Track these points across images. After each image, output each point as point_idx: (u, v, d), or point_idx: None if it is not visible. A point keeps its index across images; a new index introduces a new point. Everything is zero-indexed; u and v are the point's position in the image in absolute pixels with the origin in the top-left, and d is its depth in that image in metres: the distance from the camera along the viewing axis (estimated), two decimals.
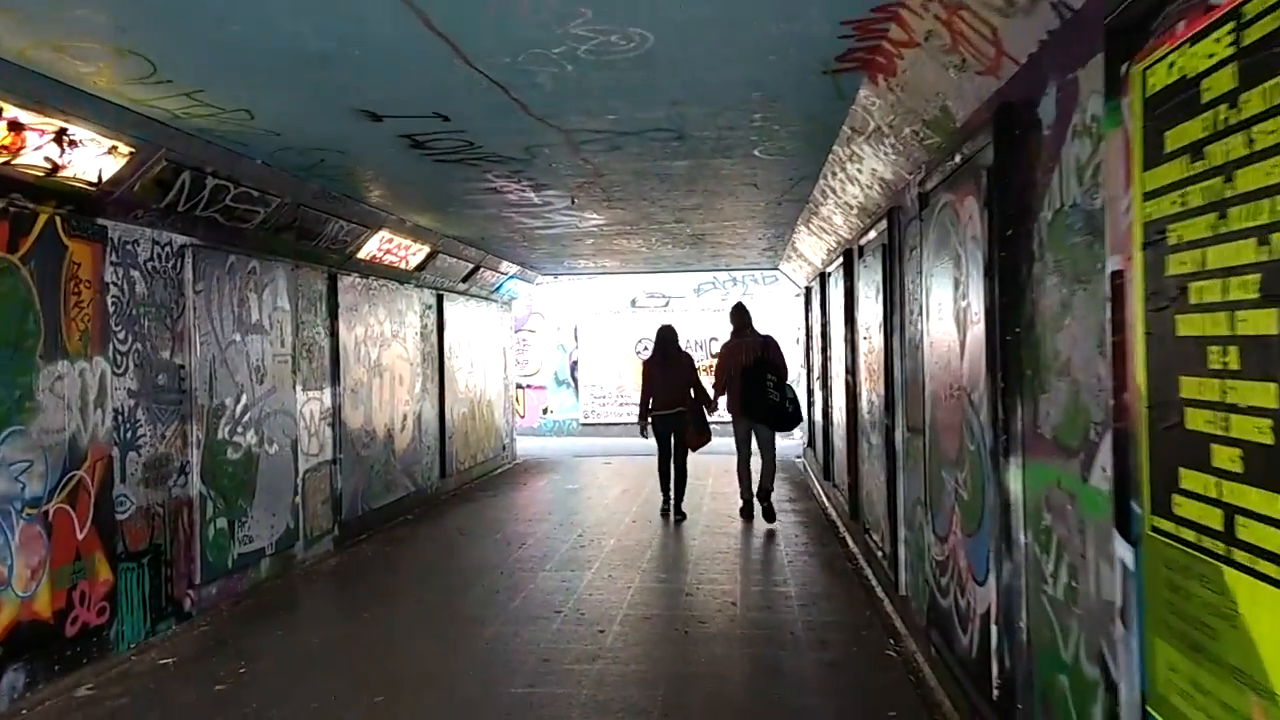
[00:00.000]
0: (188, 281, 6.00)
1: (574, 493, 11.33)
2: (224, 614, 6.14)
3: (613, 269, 14.26)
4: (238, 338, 6.58)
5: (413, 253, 9.43)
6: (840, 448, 8.80)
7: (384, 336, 9.35)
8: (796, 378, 17.02)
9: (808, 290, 12.41)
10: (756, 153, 6.08)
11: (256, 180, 6.12)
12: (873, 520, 6.58)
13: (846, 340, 8.01)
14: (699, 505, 9.98)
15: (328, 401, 8.08)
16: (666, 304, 18.12)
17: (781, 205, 8.26)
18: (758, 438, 8.93)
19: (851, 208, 6.92)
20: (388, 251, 8.88)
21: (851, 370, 7.88)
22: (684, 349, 9.62)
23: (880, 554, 6.30)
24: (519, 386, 18.23)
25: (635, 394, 18.02)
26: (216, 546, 6.24)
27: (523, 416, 18.34)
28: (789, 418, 8.92)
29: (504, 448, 14.05)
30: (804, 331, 12.98)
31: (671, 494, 9.27)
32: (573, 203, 7.82)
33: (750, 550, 7.88)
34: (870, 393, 6.61)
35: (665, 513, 9.28)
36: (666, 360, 9.28)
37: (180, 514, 5.89)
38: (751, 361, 8.88)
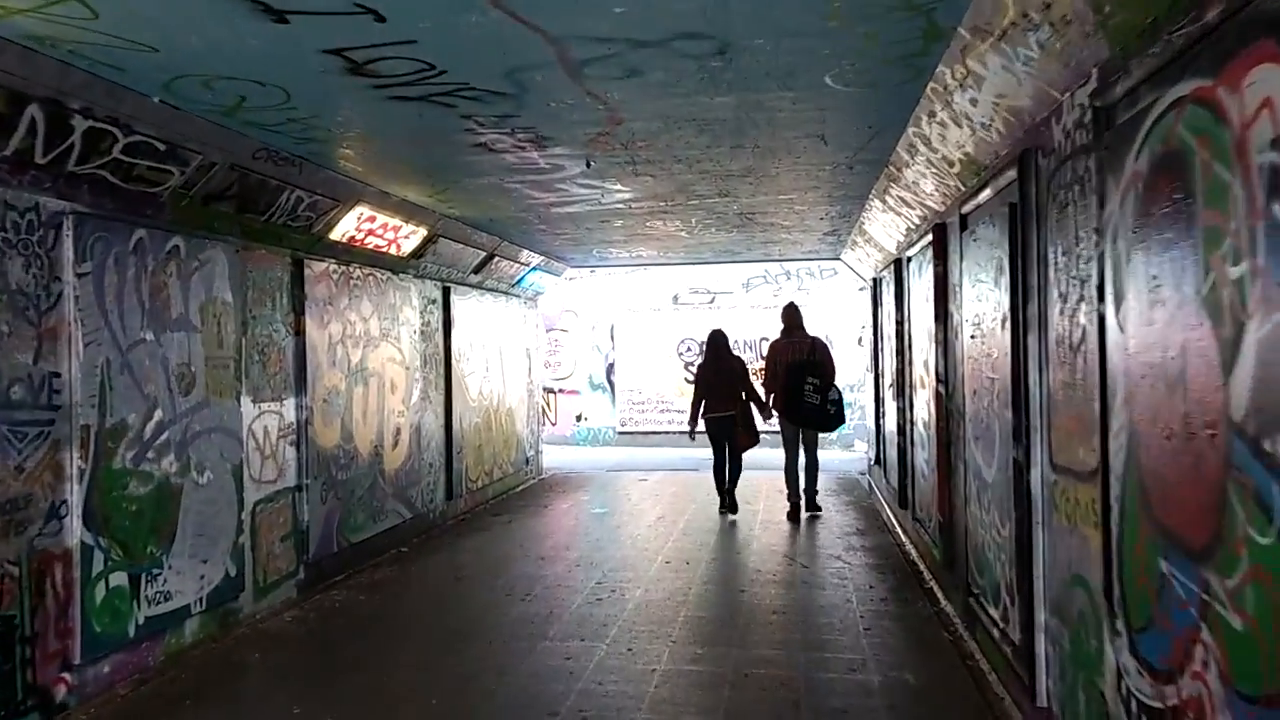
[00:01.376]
0: (66, 261, 4.51)
1: (601, 519, 9.72)
2: (118, 701, 4.65)
3: (650, 259, 12.63)
4: (149, 336, 5.09)
5: (404, 235, 7.90)
6: (925, 473, 7.07)
7: (370, 335, 7.84)
8: (860, 381, 15.30)
9: (876, 282, 10.65)
10: (828, 80, 4.40)
11: (158, 127, 4.61)
12: (986, 586, 4.85)
13: (936, 340, 6.29)
14: (748, 540, 8.31)
15: (290, 415, 6.58)
16: (712, 300, 16.45)
17: (854, 169, 6.55)
18: (803, 438, 9.03)
19: (951, 163, 5.20)
20: (370, 233, 7.36)
21: (944, 378, 6.16)
22: (736, 353, 9.86)
23: (997, 631, 4.58)
24: (550, 391, 16.75)
25: (677, 400, 16.45)
26: (109, 611, 4.75)
27: (554, 424, 16.83)
28: (830, 420, 8.95)
29: (527, 461, 12.50)
30: (871, 330, 11.21)
31: (726, 489, 9.45)
32: (588, 166, 6.21)
33: (813, 607, 6.19)
34: (981, 410, 4.89)
35: (723, 512, 9.40)
36: (719, 364, 9.39)
37: (49, 572, 4.39)
38: (796, 362, 8.93)
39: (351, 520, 7.43)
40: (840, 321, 15.71)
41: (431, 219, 8.07)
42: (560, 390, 16.89)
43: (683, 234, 9.86)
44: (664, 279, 16.43)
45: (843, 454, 15.13)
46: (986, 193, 4.66)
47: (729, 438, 9.31)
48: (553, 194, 7.27)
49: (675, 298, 16.56)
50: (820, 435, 9.29)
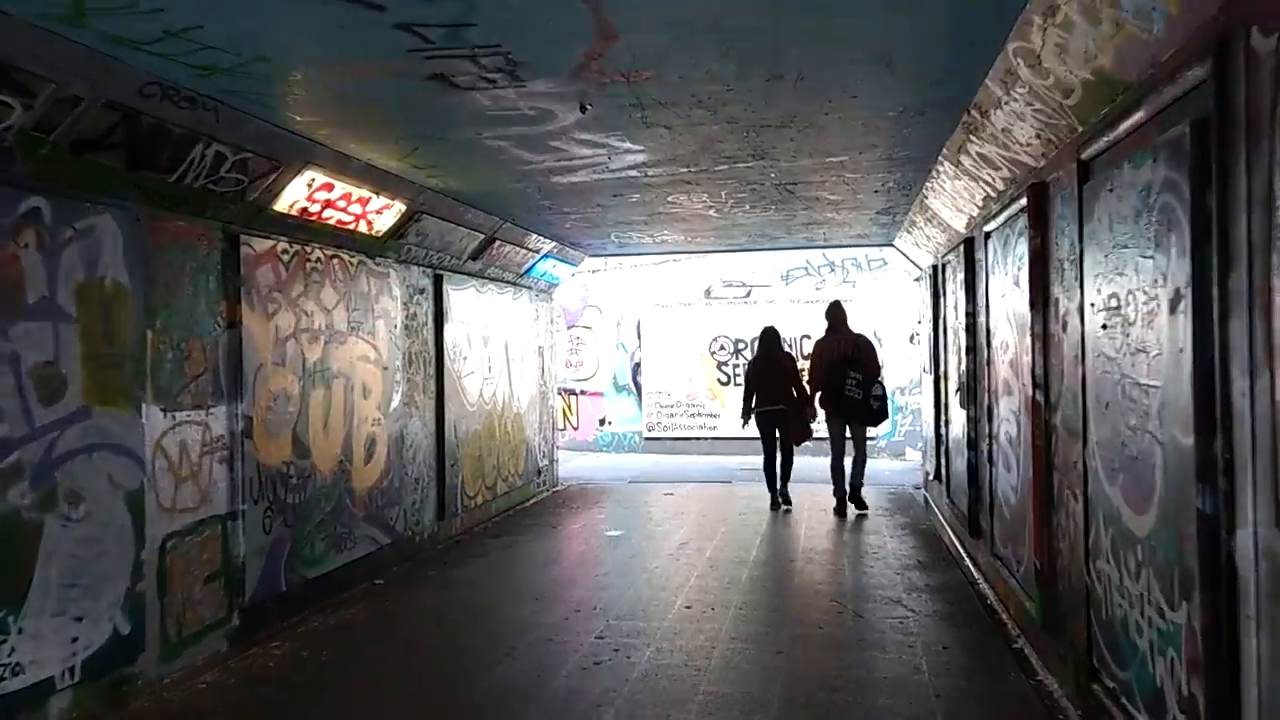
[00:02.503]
0: None
1: (616, 543, 8.37)
2: None
3: (676, 246, 11.24)
4: None
5: (376, 210, 6.63)
6: (1010, 502, 5.63)
7: (334, 330, 6.57)
8: (914, 383, 13.83)
9: (936, 270, 9.20)
10: None
11: None
12: (1131, 682, 3.40)
13: (1032, 334, 4.87)
14: (787, 574, 6.93)
15: (220, 426, 5.33)
16: (748, 294, 15.04)
17: (924, 115, 5.13)
18: (851, 433, 9.30)
19: (1068, 90, 3.78)
20: (329, 205, 6.08)
21: (1042, 383, 4.74)
22: (787, 351, 10.24)
23: None
24: (571, 393, 15.49)
25: (708, 403, 15.08)
26: None
27: (575, 428, 15.55)
28: (872, 414, 9.20)
29: (539, 472, 11.20)
30: (930, 325, 9.74)
31: (778, 484, 9.69)
32: (584, 110, 4.87)
33: (872, 679, 4.78)
34: (1122, 430, 3.45)
35: (775, 505, 9.65)
36: (769, 360, 9.65)
37: None
38: (839, 359, 9.17)
39: (307, 551, 6.17)
40: (890, 317, 14.25)
41: (410, 191, 6.79)
42: (582, 392, 15.59)
43: (712, 213, 8.49)
44: (695, 271, 15.06)
45: (893, 463, 13.67)
46: (1137, 117, 3.23)
47: (781, 431, 9.55)
48: (548, 155, 5.94)
49: (708, 291, 15.17)
50: (868, 439, 9.64)
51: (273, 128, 5.01)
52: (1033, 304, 4.86)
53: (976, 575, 6.79)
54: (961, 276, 7.36)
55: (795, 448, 9.70)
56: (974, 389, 7.06)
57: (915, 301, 13.42)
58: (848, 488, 9.28)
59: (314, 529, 6.26)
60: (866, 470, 9.50)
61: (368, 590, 6.71)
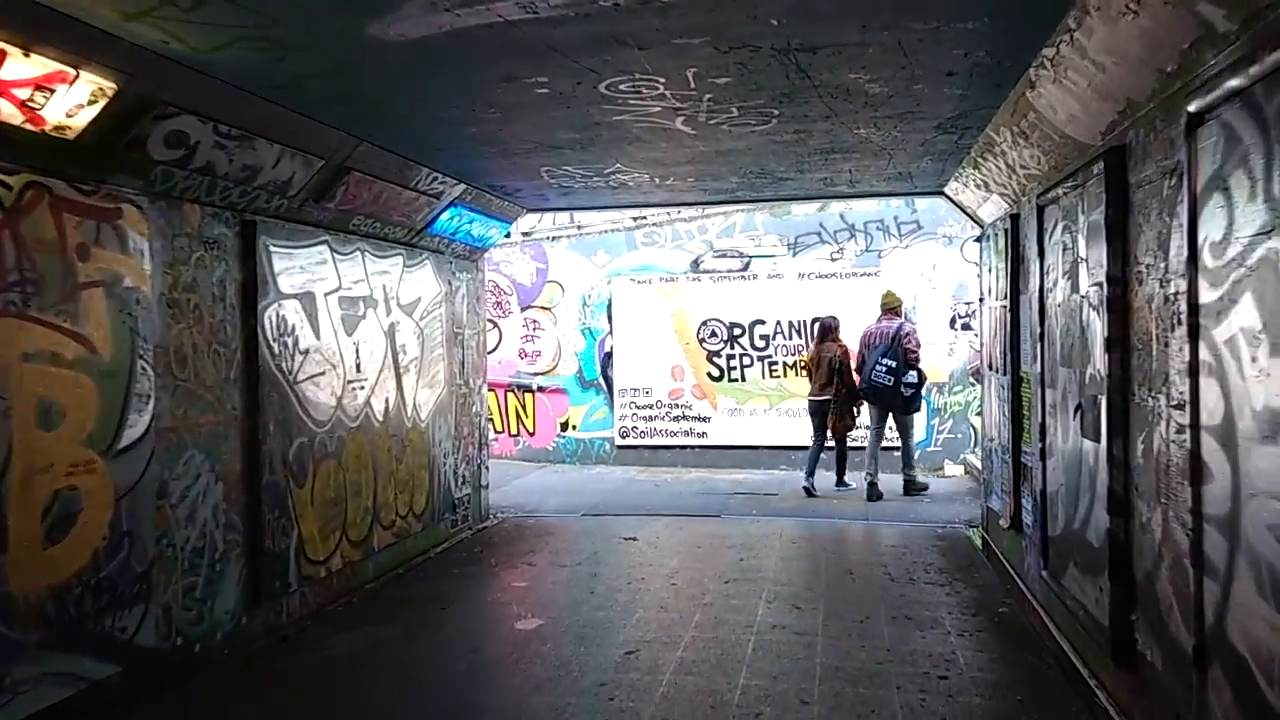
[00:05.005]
0: None
1: (522, 651, 5.30)
2: None
3: (642, 195, 8.02)
4: None
5: (33, 82, 3.54)
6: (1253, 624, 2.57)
7: None
8: (958, 380, 10.92)
9: (1019, 220, 6.14)
10: None
11: None
12: None
13: None
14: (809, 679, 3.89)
15: None
16: (746, 266, 11.94)
17: None
18: (895, 422, 9.54)
19: None
20: None
21: None
22: (840, 340, 9.81)
23: None
24: (526, 389, 12.52)
25: (696, 404, 11.98)
26: None
27: (532, 434, 12.55)
28: (904, 401, 9.25)
29: (454, 506, 8.14)
30: (1004, 300, 6.60)
31: (815, 471, 9.73)
32: None
33: None
34: None
35: (808, 491, 9.59)
36: (820, 349, 9.70)
37: None
38: (878, 345, 9.20)
39: None
40: (925, 295, 11.23)
41: (112, 54, 3.71)
42: (539, 389, 12.52)
43: (680, 124, 5.39)
44: (679, 237, 11.98)
45: (940, 483, 10.57)
46: None
47: (822, 421, 9.66)
48: None
49: (696, 263, 12.06)
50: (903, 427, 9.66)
51: None
52: None
53: None
54: (1092, 220, 4.31)
55: (835, 438, 9.70)
56: (1125, 409, 4.02)
57: (969, 272, 10.44)
58: (879, 477, 9.39)
59: None
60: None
61: None
